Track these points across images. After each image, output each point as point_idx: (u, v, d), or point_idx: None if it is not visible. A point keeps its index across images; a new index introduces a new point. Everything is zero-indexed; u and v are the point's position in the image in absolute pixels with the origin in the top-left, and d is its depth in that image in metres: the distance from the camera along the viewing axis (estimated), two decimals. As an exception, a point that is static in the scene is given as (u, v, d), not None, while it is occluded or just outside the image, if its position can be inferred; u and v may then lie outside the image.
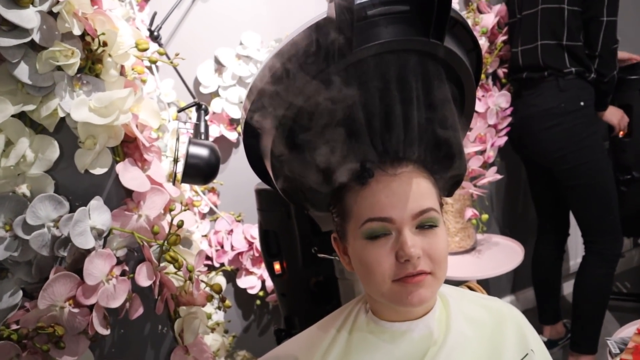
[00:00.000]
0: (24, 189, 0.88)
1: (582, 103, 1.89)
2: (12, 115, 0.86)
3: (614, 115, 2.04)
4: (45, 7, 0.85)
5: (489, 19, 2.05)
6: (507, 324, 0.82)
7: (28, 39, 0.84)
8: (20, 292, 0.92)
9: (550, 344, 2.28)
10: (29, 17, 0.83)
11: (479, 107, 1.97)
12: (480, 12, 2.12)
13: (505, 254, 2.06)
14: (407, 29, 0.70)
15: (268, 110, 0.74)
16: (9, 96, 0.86)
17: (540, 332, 2.31)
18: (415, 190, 0.72)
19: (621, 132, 2.15)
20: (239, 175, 1.86)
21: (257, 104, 0.75)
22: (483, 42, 2.03)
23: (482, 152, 1.98)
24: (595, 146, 1.92)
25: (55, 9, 0.85)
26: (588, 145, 1.90)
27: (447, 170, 0.79)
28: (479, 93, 2.00)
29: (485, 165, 2.01)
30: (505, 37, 2.06)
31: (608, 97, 1.97)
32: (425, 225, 0.72)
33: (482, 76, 2.04)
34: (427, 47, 0.71)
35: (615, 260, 2.02)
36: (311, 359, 0.80)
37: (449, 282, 0.91)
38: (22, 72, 0.85)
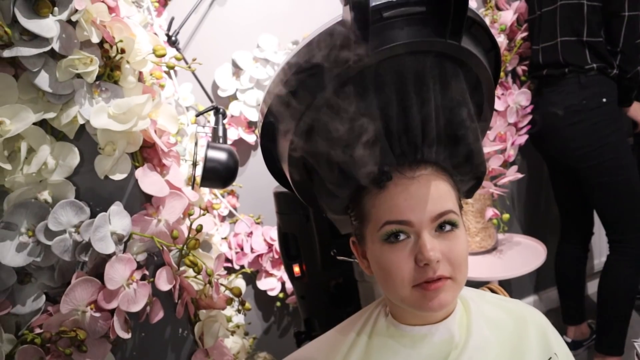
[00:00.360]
0: (45, 195, 0.90)
1: (604, 100, 1.85)
2: (34, 123, 0.87)
3: (639, 112, 2.00)
4: (64, 16, 0.87)
5: (508, 16, 2.03)
6: (529, 327, 0.81)
7: (48, 48, 0.85)
8: (44, 297, 0.93)
9: (574, 345, 2.24)
10: (48, 27, 0.85)
11: (499, 105, 1.94)
12: (499, 9, 2.09)
13: (527, 254, 2.03)
14: (423, 30, 0.69)
15: (285, 114, 0.74)
16: (30, 104, 0.87)
17: (564, 332, 2.27)
18: (434, 192, 0.71)
19: None
20: (258, 178, 1.86)
21: (274, 107, 0.75)
22: (502, 40, 2.01)
23: (502, 151, 1.96)
24: (618, 143, 1.88)
25: (74, 18, 0.86)
26: (611, 142, 1.86)
27: (466, 172, 0.78)
28: (499, 91, 1.98)
29: (506, 164, 1.98)
30: (524, 34, 2.03)
31: (632, 92, 1.92)
32: (444, 227, 0.71)
33: (502, 74, 2.01)
34: (444, 48, 0.71)
35: None
36: (331, 363, 0.80)
37: (470, 283, 0.90)
38: (43, 80, 0.87)
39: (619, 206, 1.93)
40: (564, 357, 0.80)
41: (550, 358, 0.78)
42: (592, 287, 2.58)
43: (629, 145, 2.02)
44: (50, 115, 0.89)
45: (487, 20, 2.03)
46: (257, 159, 1.89)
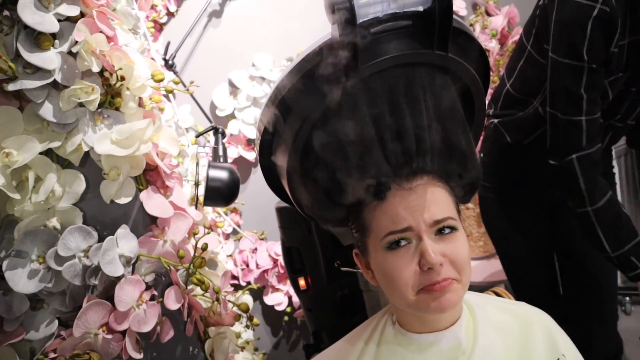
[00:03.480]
0: (54, 222, 0.92)
1: None
2: (40, 153, 0.90)
3: None
4: (65, 48, 0.90)
5: (498, 21, 2.06)
6: (535, 329, 0.81)
7: (51, 80, 0.88)
8: (56, 322, 0.95)
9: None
10: (50, 59, 0.88)
11: (494, 110, 1.96)
12: (489, 14, 2.12)
13: (531, 256, 2.04)
14: (411, 43, 0.72)
15: (281, 131, 0.76)
16: (35, 135, 0.90)
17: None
18: (431, 199, 0.73)
19: None
20: (259, 195, 1.88)
21: (270, 125, 0.78)
22: (494, 45, 2.04)
23: (500, 155, 1.97)
24: None
25: (74, 49, 0.89)
26: None
27: (461, 177, 0.79)
28: (493, 96, 2.00)
29: (504, 168, 1.99)
30: (515, 38, 2.06)
31: None
32: (444, 230, 0.73)
33: (495, 78, 2.03)
34: (432, 59, 0.73)
35: None
36: (340, 373, 0.81)
37: (475, 288, 0.91)
38: (47, 111, 0.89)
39: None
40: (572, 357, 0.81)
41: (558, 359, 0.79)
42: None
43: None
44: (55, 144, 0.91)
45: (478, 27, 2.06)
46: (257, 175, 1.91)
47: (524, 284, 1.57)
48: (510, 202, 1.50)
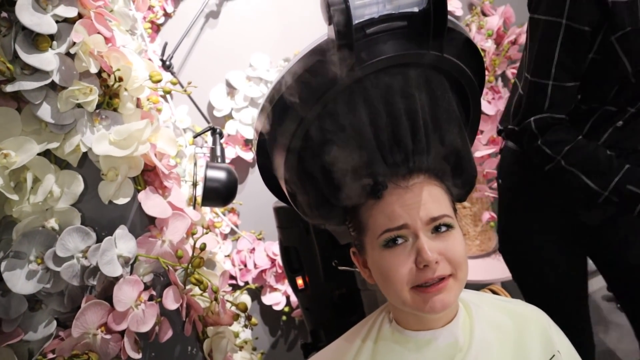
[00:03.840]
0: (52, 223, 0.92)
1: None
2: (38, 154, 0.90)
3: None
4: (63, 49, 0.90)
5: (494, 21, 2.07)
6: (530, 327, 0.82)
7: (49, 81, 0.88)
8: (55, 322, 0.96)
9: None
10: (48, 60, 0.88)
11: (490, 110, 1.97)
12: (485, 14, 2.13)
13: (528, 254, 2.05)
14: (406, 44, 0.72)
15: (278, 131, 0.76)
16: (33, 136, 0.90)
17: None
18: (427, 198, 0.73)
19: None
20: (257, 195, 1.89)
21: (267, 125, 0.78)
22: (490, 45, 2.05)
23: (496, 154, 1.99)
24: None
25: (72, 50, 0.90)
26: None
27: (457, 176, 0.80)
28: (489, 96, 2.01)
29: (501, 167, 2.01)
30: (511, 38, 2.07)
31: None
32: (440, 228, 0.73)
33: (492, 78, 2.04)
34: (428, 59, 0.74)
35: None
36: (338, 371, 0.82)
37: (473, 286, 0.92)
38: (45, 112, 0.90)
39: None
40: (566, 354, 0.82)
41: (554, 356, 0.79)
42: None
43: None
44: (53, 145, 0.91)
45: (474, 27, 2.07)
46: (255, 176, 1.92)
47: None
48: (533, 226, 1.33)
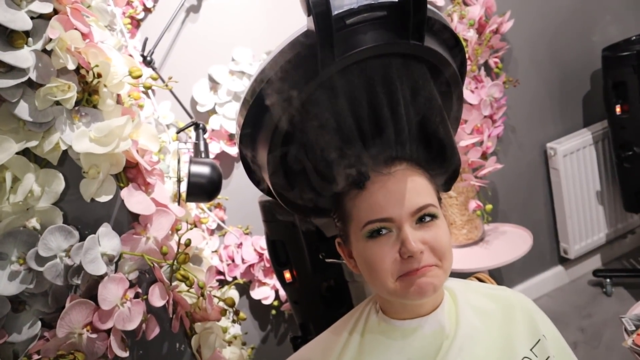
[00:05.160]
0: (33, 222, 0.91)
1: None
2: (17, 153, 0.89)
3: None
4: (39, 46, 0.88)
5: (476, 11, 2.07)
6: (516, 313, 0.83)
7: (25, 78, 0.87)
8: (39, 323, 0.95)
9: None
10: (24, 57, 0.86)
11: (473, 99, 1.98)
12: (466, 4, 2.13)
13: (513, 242, 2.07)
14: (386, 34, 0.72)
15: (259, 124, 0.76)
16: (11, 134, 0.89)
17: None
18: (411, 187, 0.74)
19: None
20: (243, 189, 1.88)
21: (248, 119, 0.78)
22: (472, 35, 2.05)
23: (480, 143, 2.00)
24: None
25: (48, 47, 0.88)
26: None
27: (441, 165, 0.80)
28: (472, 85, 2.02)
29: (485, 156, 2.02)
30: (493, 27, 2.07)
31: None
32: (424, 219, 0.74)
33: (474, 67, 2.05)
34: (408, 49, 0.74)
35: None
36: (326, 363, 0.82)
37: (459, 275, 0.92)
38: (23, 110, 0.88)
39: None
40: (552, 338, 0.83)
41: (539, 340, 0.80)
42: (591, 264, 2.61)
43: None
44: (32, 143, 0.90)
45: (456, 16, 2.07)
46: (241, 170, 1.91)
47: None
48: None
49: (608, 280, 2.41)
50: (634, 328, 1.43)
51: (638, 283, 2.41)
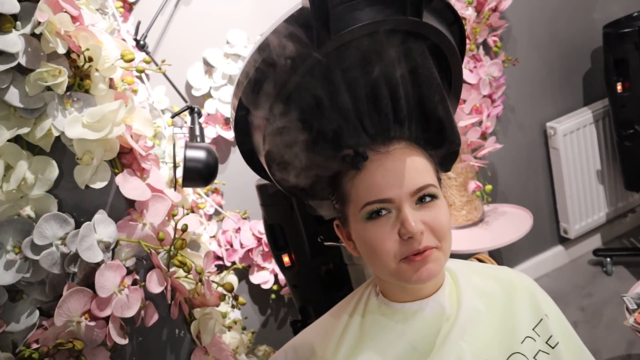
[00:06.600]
0: (28, 210, 0.90)
1: None
2: (8, 140, 0.87)
3: None
4: (27, 29, 0.86)
5: (474, -11, 2.04)
6: (518, 293, 0.83)
7: (14, 63, 0.85)
8: (37, 312, 0.94)
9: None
10: (12, 42, 0.84)
11: (472, 78, 1.96)
12: (464, -18, 2.10)
13: (514, 222, 2.07)
14: (384, 10, 0.70)
15: (255, 106, 0.75)
16: (2, 121, 0.87)
17: None
18: (410, 167, 0.72)
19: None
20: (240, 174, 1.87)
21: (244, 100, 0.76)
22: (470, 13, 2.02)
23: (479, 123, 1.98)
24: None
25: (37, 31, 0.86)
26: None
27: (440, 145, 0.79)
28: (471, 65, 1.99)
29: (485, 136, 2.00)
30: (492, 5, 2.04)
31: None
32: (424, 199, 0.72)
33: (473, 46, 2.03)
34: (406, 25, 0.72)
35: None
36: (327, 346, 0.82)
37: (459, 256, 0.92)
38: (13, 96, 0.86)
39: None
40: (554, 317, 0.82)
41: (542, 319, 0.80)
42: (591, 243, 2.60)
43: None
44: (24, 130, 0.88)
45: (454, -5, 2.04)
46: (237, 155, 1.88)
47: None
48: None
49: (608, 259, 2.41)
50: (635, 307, 1.44)
51: (638, 262, 2.41)
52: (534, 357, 0.76)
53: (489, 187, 2.04)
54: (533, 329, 0.79)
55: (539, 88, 2.37)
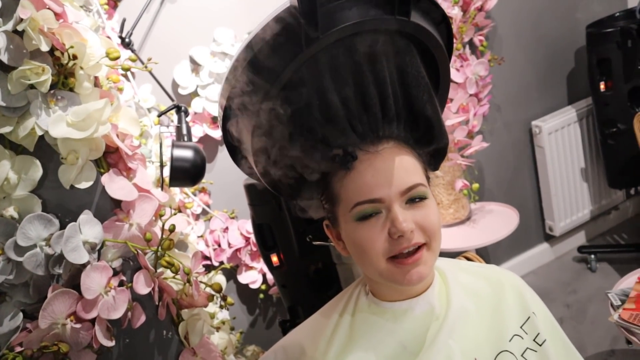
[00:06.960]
0: (11, 211, 0.88)
1: None
2: (-10, 139, 0.86)
3: None
4: (9, 26, 0.84)
5: (460, -12, 2.04)
6: (506, 291, 0.83)
7: (-4, 61, 0.83)
8: (21, 314, 0.92)
9: None
10: (-6, 39, 0.83)
11: (458, 77, 1.97)
12: (450, -19, 2.11)
13: (500, 220, 2.08)
14: (372, 9, 0.70)
15: (243, 105, 0.74)
16: (-16, 120, 0.85)
17: None
18: (399, 166, 0.72)
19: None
20: (228, 173, 1.86)
21: (232, 100, 0.75)
22: (456, 12, 2.03)
23: (466, 122, 1.99)
24: None
25: (19, 28, 0.84)
26: None
27: (428, 144, 0.79)
28: (457, 64, 2.00)
29: (471, 135, 2.01)
30: (478, 4, 2.05)
31: None
32: (415, 199, 0.73)
33: (459, 46, 2.03)
34: (394, 24, 0.72)
35: None
36: (317, 345, 0.81)
37: (447, 254, 0.92)
38: (-6, 94, 0.85)
39: None
40: (541, 315, 0.83)
41: (529, 317, 0.81)
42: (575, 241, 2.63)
43: None
44: (6, 129, 0.87)
45: (440, -6, 2.05)
46: (225, 154, 1.88)
47: None
48: None
49: (592, 256, 2.44)
50: (619, 303, 1.45)
51: (622, 258, 2.45)
52: (522, 355, 0.77)
53: (475, 185, 2.05)
54: (521, 327, 0.79)
55: (524, 87, 2.39)
